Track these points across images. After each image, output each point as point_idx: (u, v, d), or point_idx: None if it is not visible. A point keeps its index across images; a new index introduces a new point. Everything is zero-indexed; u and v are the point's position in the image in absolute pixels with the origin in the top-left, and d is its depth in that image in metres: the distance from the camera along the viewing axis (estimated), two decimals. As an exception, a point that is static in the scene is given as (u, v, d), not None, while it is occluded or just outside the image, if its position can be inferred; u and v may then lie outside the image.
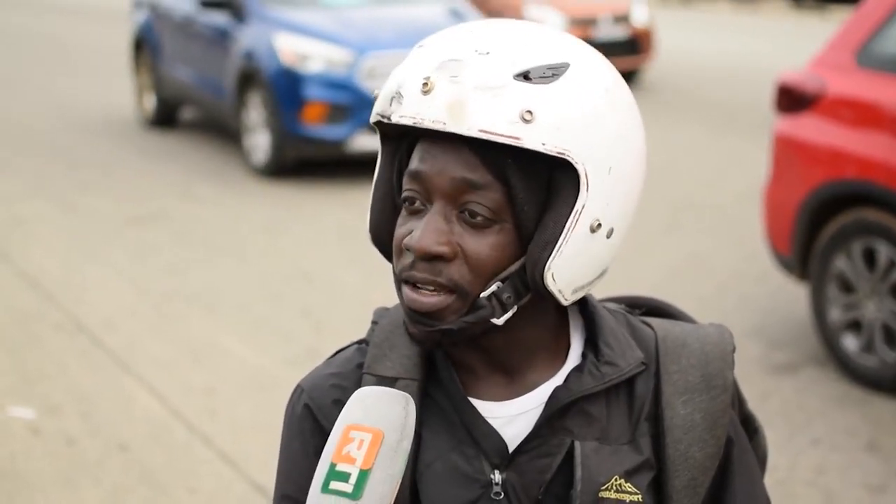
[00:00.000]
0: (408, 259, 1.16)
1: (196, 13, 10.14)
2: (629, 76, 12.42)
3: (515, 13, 11.63)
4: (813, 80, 5.11)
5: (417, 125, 1.12)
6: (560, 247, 1.13)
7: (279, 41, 8.97)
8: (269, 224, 7.88)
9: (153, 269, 6.85)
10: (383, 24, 9.29)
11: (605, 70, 1.18)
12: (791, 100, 5.17)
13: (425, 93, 1.11)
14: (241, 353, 5.46)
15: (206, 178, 9.19)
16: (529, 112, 1.10)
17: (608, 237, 1.17)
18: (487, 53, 1.13)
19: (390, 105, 1.14)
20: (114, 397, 4.99)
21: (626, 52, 12.42)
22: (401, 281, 1.18)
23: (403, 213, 1.18)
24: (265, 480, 4.15)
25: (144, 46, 11.30)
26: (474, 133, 1.10)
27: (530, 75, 1.12)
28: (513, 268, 1.15)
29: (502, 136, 1.09)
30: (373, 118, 1.18)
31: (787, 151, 5.19)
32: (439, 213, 1.14)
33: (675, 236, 7.29)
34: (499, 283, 1.15)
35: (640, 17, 12.85)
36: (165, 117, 11.23)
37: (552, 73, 1.13)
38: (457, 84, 1.11)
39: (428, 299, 1.15)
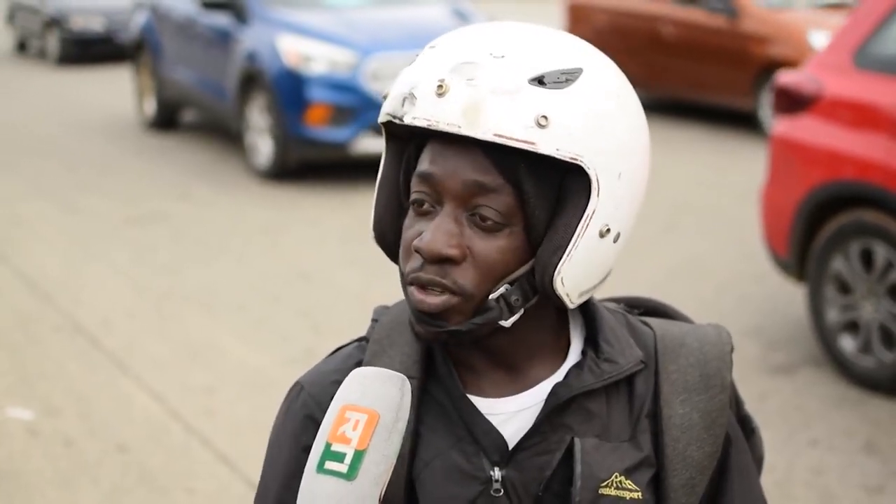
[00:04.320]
0: (416, 262, 1.16)
1: (197, 14, 10.05)
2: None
3: (798, 41, 9.96)
4: (810, 82, 5.12)
5: (432, 127, 1.12)
6: (570, 251, 1.14)
7: (282, 42, 8.88)
8: (267, 225, 7.88)
9: (152, 269, 6.86)
10: (387, 26, 9.19)
11: (614, 75, 1.19)
12: (789, 101, 5.17)
13: (440, 95, 1.11)
14: (239, 353, 5.46)
15: (206, 179, 9.19)
16: (545, 117, 1.10)
17: (615, 241, 1.18)
18: (503, 57, 1.13)
19: (402, 106, 1.14)
20: (112, 398, 4.99)
21: None
22: (408, 282, 1.18)
23: (411, 214, 1.18)
24: (263, 481, 4.15)
25: (145, 48, 11.18)
26: (489, 137, 1.10)
27: (545, 80, 1.12)
28: (521, 270, 1.15)
29: (517, 140, 1.10)
30: (382, 118, 1.18)
31: (784, 152, 5.19)
32: (449, 215, 1.14)
33: (673, 237, 7.30)
34: (507, 286, 1.15)
35: None
36: (166, 119, 11.11)
37: (566, 78, 1.13)
38: (473, 87, 1.11)
39: (434, 300, 1.15)
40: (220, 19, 9.70)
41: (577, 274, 1.15)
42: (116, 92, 13.22)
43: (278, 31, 9.03)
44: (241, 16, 9.43)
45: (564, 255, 1.13)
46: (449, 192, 1.14)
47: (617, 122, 1.15)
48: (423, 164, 1.16)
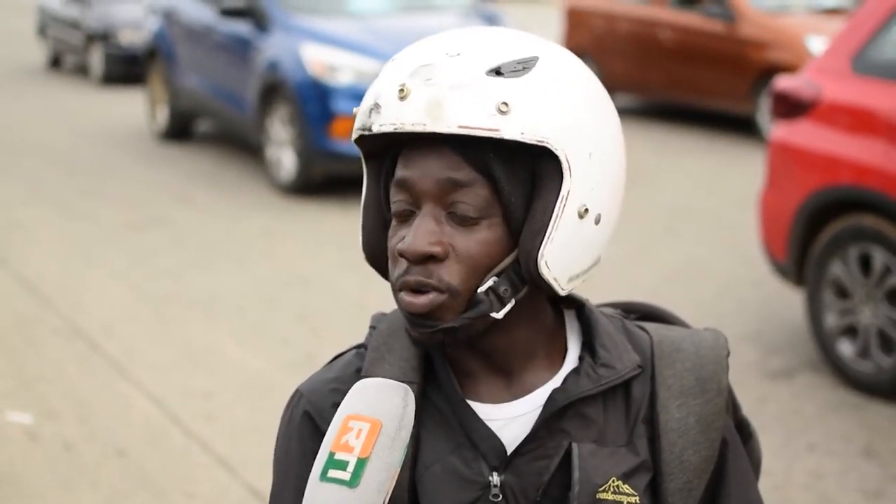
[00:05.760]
0: (402, 266, 1.18)
1: (215, 21, 9.70)
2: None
3: (797, 46, 9.95)
4: (809, 87, 5.13)
5: (398, 130, 1.14)
6: (550, 234, 1.15)
7: (306, 51, 8.57)
8: (267, 230, 7.88)
9: (153, 274, 6.86)
10: (414, 34, 8.84)
11: (572, 61, 1.22)
12: (787, 106, 5.18)
13: (402, 99, 1.14)
14: (238, 357, 5.46)
15: (207, 185, 9.18)
16: (505, 104, 1.12)
17: (597, 223, 1.19)
18: (458, 55, 1.16)
19: (369, 117, 1.16)
20: (111, 402, 5.00)
21: None
22: (397, 288, 1.19)
23: (394, 223, 1.20)
24: (262, 485, 4.16)
25: (158, 55, 10.83)
26: (454, 129, 1.12)
27: (502, 70, 1.15)
28: (507, 261, 1.17)
29: (481, 129, 1.12)
30: (354, 135, 1.21)
31: (783, 157, 5.20)
32: (428, 214, 1.16)
33: (671, 241, 7.31)
34: (495, 278, 1.17)
35: None
36: (180, 129, 10.78)
37: (523, 66, 1.16)
38: (432, 86, 1.13)
39: (421, 300, 1.16)
40: (240, 27, 9.35)
41: (561, 257, 1.16)
42: (136, 104, 12.92)
43: (301, 40, 8.69)
44: (261, 23, 9.09)
45: (545, 239, 1.15)
46: (425, 194, 1.16)
47: (579, 103, 1.17)
48: (398, 172, 1.19)
